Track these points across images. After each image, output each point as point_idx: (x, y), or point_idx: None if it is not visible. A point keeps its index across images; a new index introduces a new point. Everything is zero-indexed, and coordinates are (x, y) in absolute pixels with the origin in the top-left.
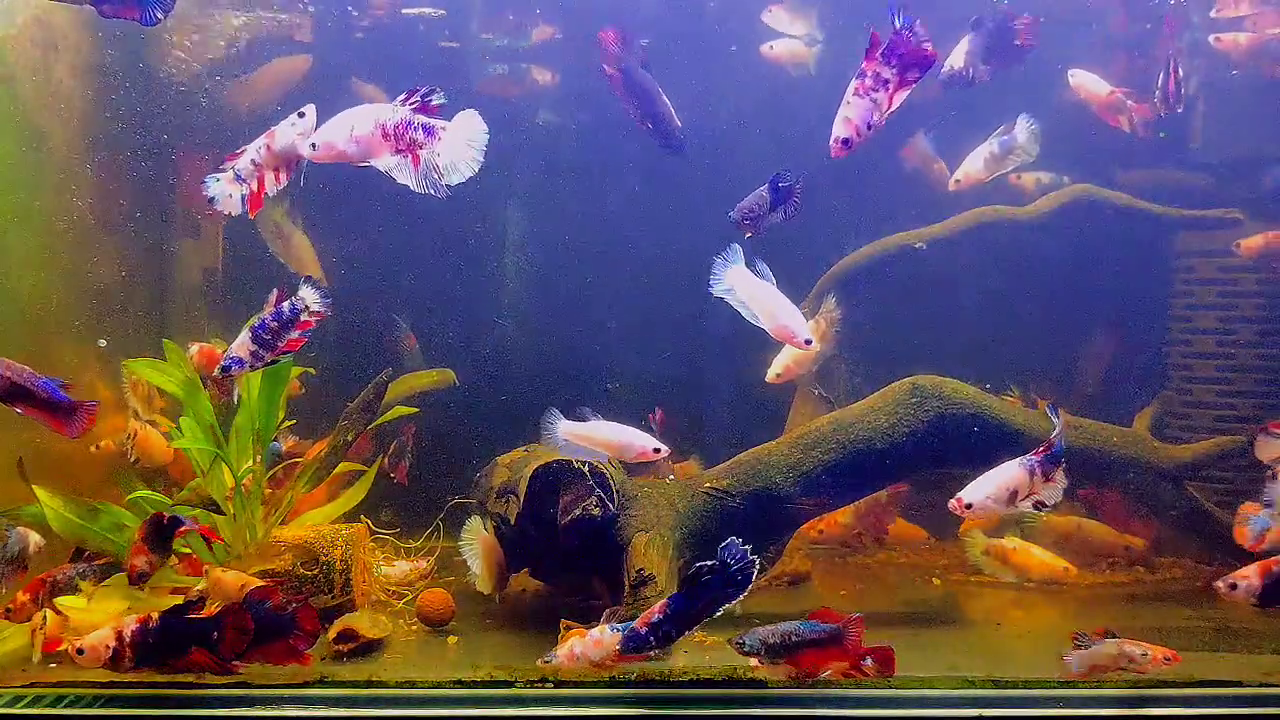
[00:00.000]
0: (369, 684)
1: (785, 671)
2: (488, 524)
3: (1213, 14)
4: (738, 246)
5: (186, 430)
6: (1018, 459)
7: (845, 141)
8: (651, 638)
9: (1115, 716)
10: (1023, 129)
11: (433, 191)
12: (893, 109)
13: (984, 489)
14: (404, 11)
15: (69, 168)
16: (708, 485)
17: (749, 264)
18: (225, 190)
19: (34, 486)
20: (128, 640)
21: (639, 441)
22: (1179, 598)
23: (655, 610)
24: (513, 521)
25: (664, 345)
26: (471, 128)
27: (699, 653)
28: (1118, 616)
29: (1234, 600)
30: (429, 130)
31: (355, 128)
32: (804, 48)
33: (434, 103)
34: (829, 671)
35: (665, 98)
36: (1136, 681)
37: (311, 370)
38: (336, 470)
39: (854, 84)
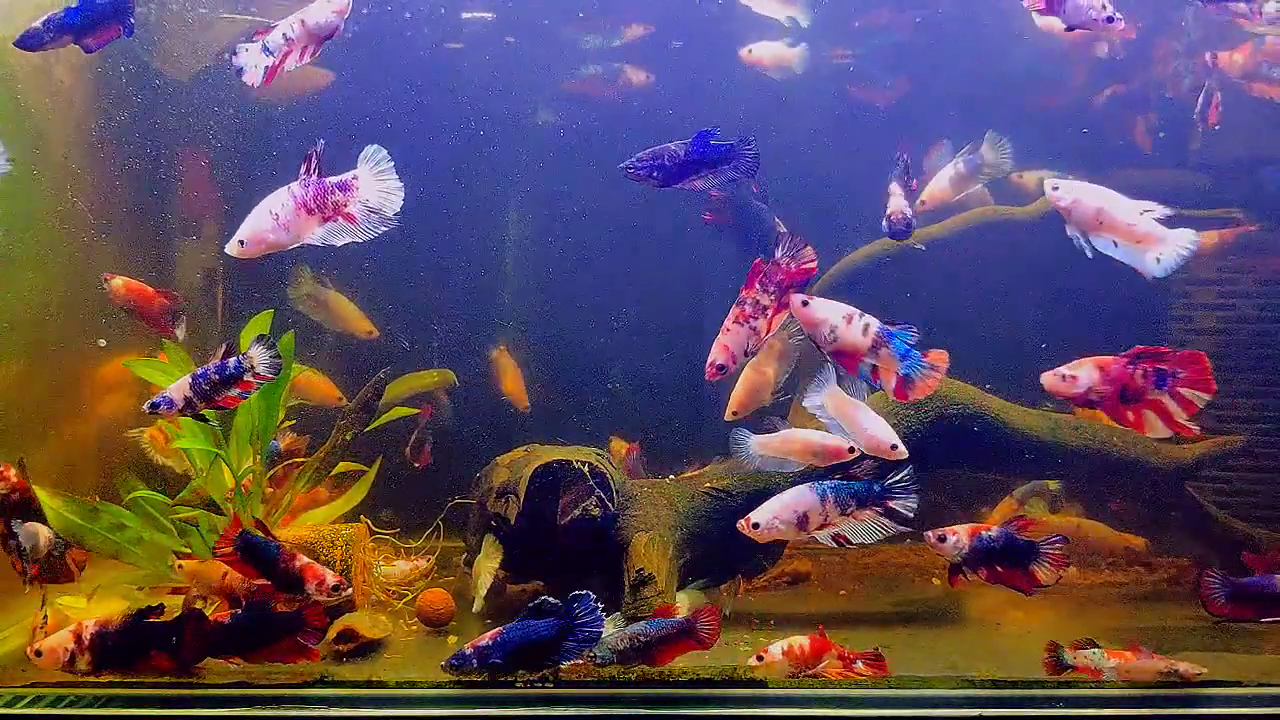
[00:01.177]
0: (369, 684)
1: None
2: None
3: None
4: (830, 366)
5: (186, 430)
6: (810, 483)
7: (720, 367)
8: (474, 660)
9: (1115, 716)
10: (989, 146)
11: (382, 229)
12: (773, 332)
13: (772, 509)
14: (464, 15)
15: (69, 167)
16: (708, 485)
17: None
18: (253, 61)
19: (34, 487)
20: (87, 643)
21: (833, 443)
22: (1179, 598)
23: (487, 636)
24: (512, 521)
25: (664, 346)
26: (375, 160)
27: (698, 653)
28: (1118, 616)
29: (942, 553)
30: (344, 186)
31: (278, 214)
32: (787, 49)
33: (316, 161)
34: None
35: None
36: (1137, 682)
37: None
38: (335, 470)
39: (734, 311)
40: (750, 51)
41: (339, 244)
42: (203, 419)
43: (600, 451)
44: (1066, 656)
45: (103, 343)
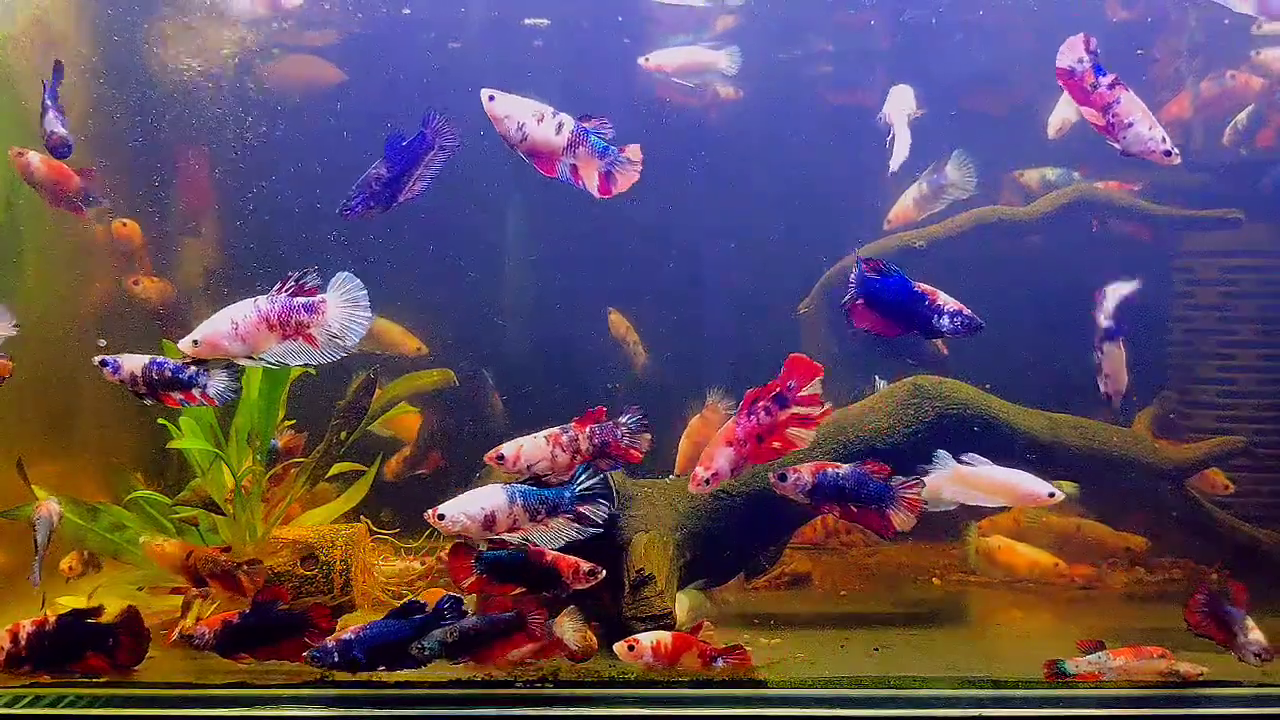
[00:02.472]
0: (369, 684)
1: (474, 668)
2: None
3: (1255, 30)
4: (942, 452)
5: (186, 430)
6: (503, 484)
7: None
8: (335, 654)
9: (1115, 716)
10: (954, 166)
11: (339, 356)
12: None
13: (461, 503)
14: (525, 22)
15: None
16: None
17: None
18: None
19: (34, 487)
20: (23, 642)
21: (1031, 486)
22: (1179, 598)
23: (349, 630)
24: None
25: (664, 346)
26: (348, 289)
27: None
28: (1118, 617)
29: (783, 491)
30: (310, 308)
31: (238, 324)
32: (707, 53)
33: (309, 284)
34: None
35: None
36: (1136, 682)
37: (312, 370)
38: (334, 470)
39: (554, 431)
40: (648, 60)
41: (294, 363)
42: (138, 397)
43: None
44: (1068, 667)
45: (102, 342)
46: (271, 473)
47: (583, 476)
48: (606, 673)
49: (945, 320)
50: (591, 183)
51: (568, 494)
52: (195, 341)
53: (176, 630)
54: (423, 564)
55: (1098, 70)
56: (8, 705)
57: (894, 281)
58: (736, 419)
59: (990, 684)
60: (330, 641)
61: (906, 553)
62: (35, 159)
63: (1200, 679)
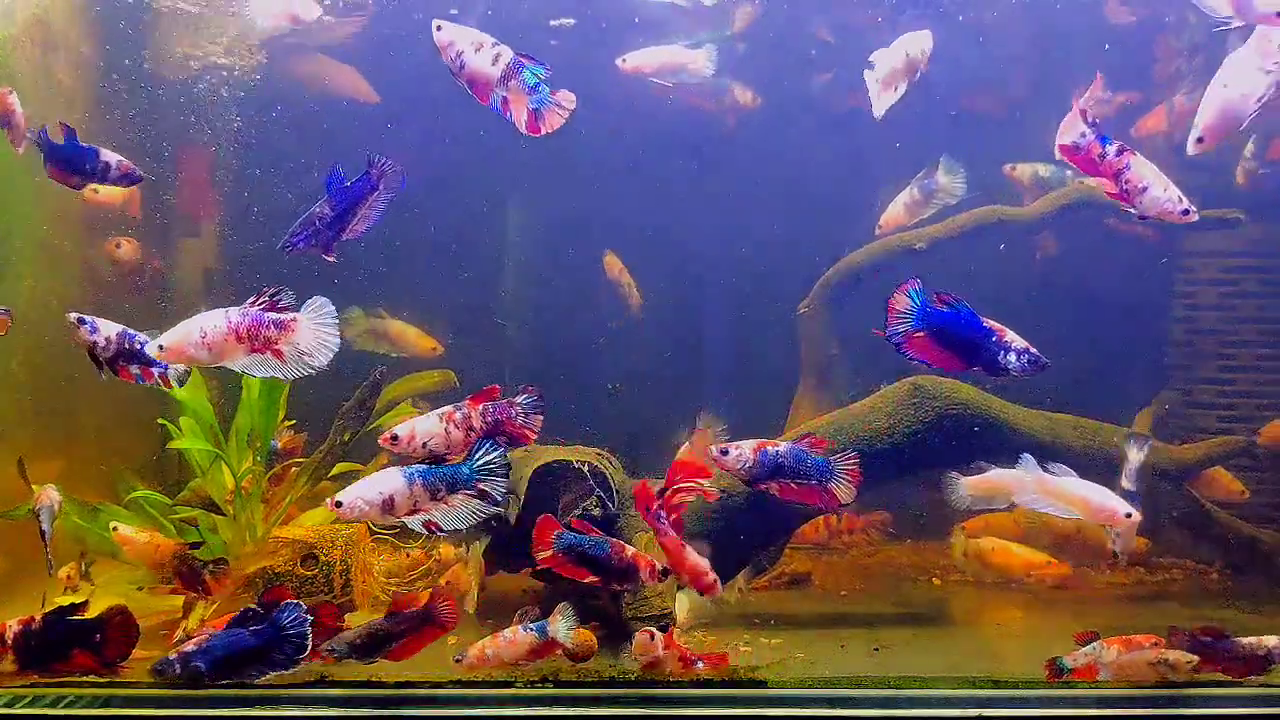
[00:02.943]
0: (369, 684)
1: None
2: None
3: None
4: (1027, 456)
5: (186, 430)
6: (400, 467)
7: (394, 438)
8: (178, 665)
9: (1115, 716)
10: (944, 172)
11: (306, 372)
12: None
13: (358, 489)
14: (552, 23)
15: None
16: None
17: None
18: None
19: (34, 487)
20: (9, 641)
21: (1109, 502)
22: (1179, 598)
23: (192, 640)
24: (513, 522)
25: (664, 345)
26: (321, 313)
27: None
28: (1118, 616)
29: (724, 467)
30: (280, 325)
31: (206, 333)
32: (685, 52)
33: (281, 302)
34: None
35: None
36: (1136, 681)
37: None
38: (334, 470)
39: (448, 410)
40: (625, 61)
41: (259, 375)
42: (96, 362)
43: (600, 451)
44: (1066, 662)
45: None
46: (271, 473)
47: (480, 452)
48: (606, 673)
49: (1013, 358)
50: (520, 118)
51: (466, 469)
52: (161, 347)
53: (180, 630)
54: (418, 554)
55: (1103, 140)
56: (8, 705)
57: (963, 315)
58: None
59: (990, 684)
60: (173, 654)
61: (906, 553)
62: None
63: (1190, 665)
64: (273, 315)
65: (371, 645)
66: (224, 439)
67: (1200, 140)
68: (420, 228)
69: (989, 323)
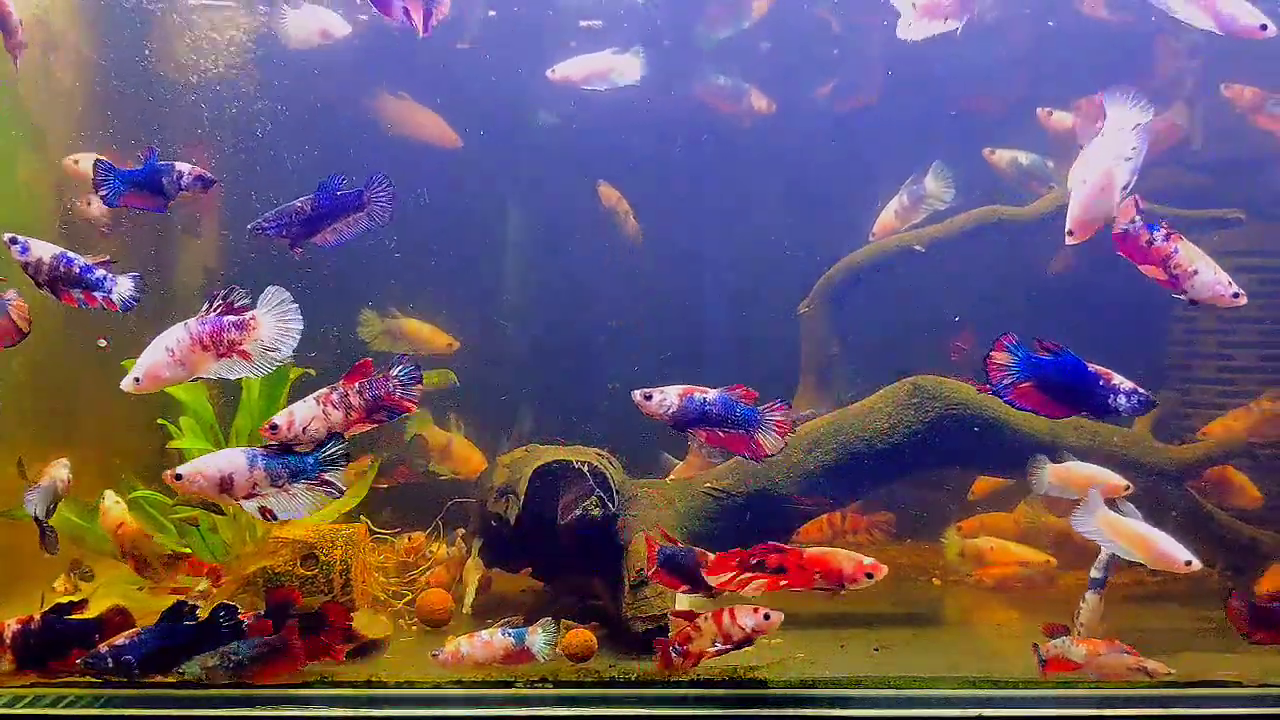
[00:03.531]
0: (369, 684)
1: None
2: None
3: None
4: (1095, 492)
5: (187, 430)
6: (244, 449)
7: (274, 428)
8: (109, 659)
9: (1115, 716)
10: (933, 177)
11: (274, 367)
12: (350, 429)
13: (198, 464)
14: (582, 24)
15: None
16: (708, 485)
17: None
18: None
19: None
20: (8, 641)
21: (1169, 549)
22: (1179, 598)
23: (123, 635)
24: (513, 522)
25: (664, 345)
26: (276, 302)
27: None
28: (1119, 617)
29: (648, 412)
30: (240, 325)
31: (174, 350)
32: (614, 58)
33: (237, 303)
34: None
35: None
36: (1137, 682)
37: (312, 371)
38: None
39: (325, 391)
40: (554, 71)
41: (231, 377)
42: (38, 286)
43: (601, 451)
44: (1041, 653)
45: (102, 342)
46: None
47: (329, 444)
48: (606, 673)
49: (1123, 399)
50: (417, 19)
51: (311, 460)
52: (137, 379)
53: None
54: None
55: (1150, 227)
56: (8, 705)
57: (1068, 362)
58: None
59: (990, 684)
60: (103, 647)
61: (906, 553)
62: None
63: (1168, 679)
64: (231, 317)
65: (226, 669)
66: (224, 439)
67: (1072, 233)
68: (421, 228)
69: (1095, 367)
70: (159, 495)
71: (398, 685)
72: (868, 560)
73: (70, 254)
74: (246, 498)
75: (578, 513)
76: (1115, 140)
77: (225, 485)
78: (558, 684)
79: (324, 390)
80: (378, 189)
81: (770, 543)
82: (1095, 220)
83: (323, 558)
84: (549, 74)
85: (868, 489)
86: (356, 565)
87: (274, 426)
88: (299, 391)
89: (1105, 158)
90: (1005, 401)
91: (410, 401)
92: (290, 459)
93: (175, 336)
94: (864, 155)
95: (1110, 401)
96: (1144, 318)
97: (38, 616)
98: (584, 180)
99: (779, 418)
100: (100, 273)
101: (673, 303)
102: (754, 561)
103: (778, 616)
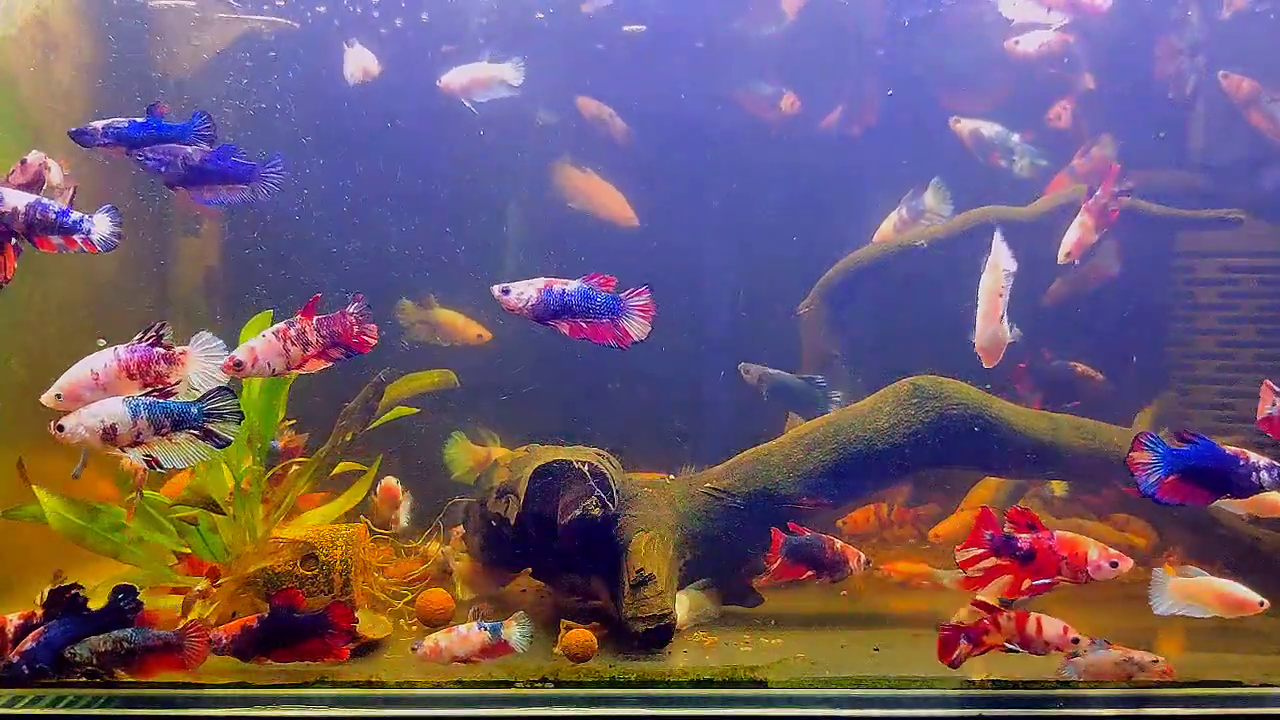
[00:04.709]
0: (369, 684)
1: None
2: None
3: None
4: (1159, 572)
5: None
6: (125, 397)
7: (239, 364)
8: (24, 667)
9: (1115, 716)
10: (932, 192)
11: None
12: (304, 369)
13: (81, 415)
14: (625, 29)
15: (68, 167)
16: (708, 485)
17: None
18: None
19: (34, 487)
20: (10, 636)
21: (1243, 595)
22: None
23: (30, 637)
24: (513, 522)
25: (664, 344)
26: (206, 344)
27: (699, 653)
28: (1119, 616)
29: (509, 308)
30: (169, 359)
31: (98, 374)
32: (491, 68)
33: (166, 339)
34: None
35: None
36: (1137, 681)
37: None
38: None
39: (282, 326)
40: (442, 81)
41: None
42: (13, 235)
43: (601, 451)
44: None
45: (101, 342)
46: (271, 473)
47: (212, 395)
48: (606, 673)
49: (1264, 475)
50: None
51: (195, 409)
52: (58, 395)
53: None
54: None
55: None
56: (8, 705)
57: (1205, 448)
58: None
59: (990, 684)
60: (14, 656)
61: (907, 552)
62: None
63: (1159, 668)
64: (161, 350)
65: (117, 656)
66: None
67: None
68: (421, 228)
69: (1229, 449)
70: (159, 495)
71: (398, 685)
72: (1112, 550)
73: (44, 200)
74: (131, 446)
75: (578, 513)
76: (994, 277)
77: (109, 435)
78: (558, 684)
79: (282, 325)
80: (271, 169)
81: (1024, 510)
82: (997, 345)
83: (323, 558)
84: (439, 84)
85: (868, 489)
86: (356, 565)
87: (238, 364)
88: (299, 391)
89: (992, 288)
90: (1154, 500)
91: (368, 339)
92: (173, 407)
93: (103, 360)
94: (864, 157)
95: (1254, 479)
96: (1144, 318)
97: (42, 613)
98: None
99: (641, 302)
100: (76, 215)
101: (672, 300)
102: (1005, 541)
103: (1085, 641)
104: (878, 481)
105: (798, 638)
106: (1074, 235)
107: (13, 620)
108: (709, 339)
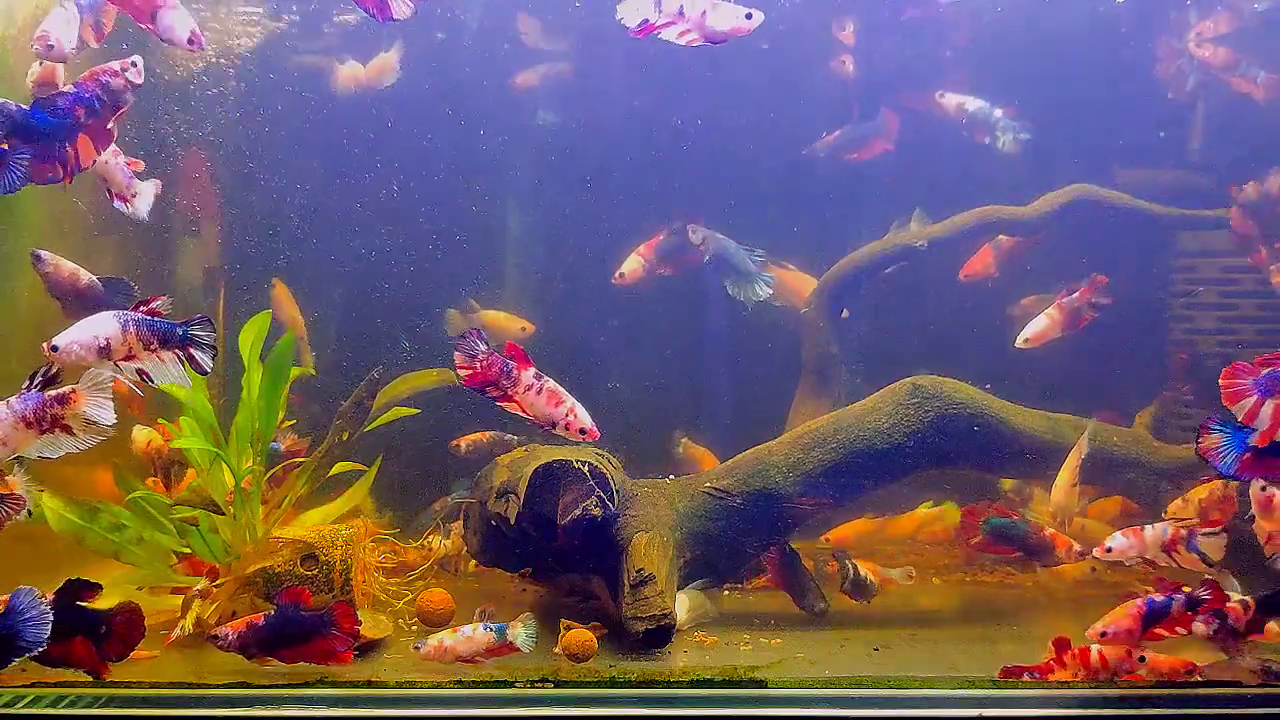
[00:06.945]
0: (369, 684)
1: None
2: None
3: (1193, 37)
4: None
5: (186, 430)
6: (115, 312)
7: (54, 348)
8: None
9: (1115, 716)
10: (916, 222)
11: (99, 438)
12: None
13: (72, 334)
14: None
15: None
16: (708, 485)
17: None
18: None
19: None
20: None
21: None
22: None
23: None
24: (513, 521)
25: (665, 344)
26: (95, 379)
27: (699, 653)
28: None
29: None
30: (62, 400)
31: None
32: (384, 58)
33: (53, 373)
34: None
35: None
36: (1137, 681)
37: (312, 370)
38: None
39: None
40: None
41: (54, 455)
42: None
43: (600, 451)
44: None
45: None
46: (271, 473)
47: (194, 321)
48: (606, 673)
49: None
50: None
51: (179, 328)
52: None
53: (176, 629)
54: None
55: None
56: (8, 705)
57: None
58: None
59: (990, 684)
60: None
61: (907, 553)
62: None
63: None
64: (52, 392)
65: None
66: (224, 439)
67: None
68: (422, 227)
69: None
70: (159, 495)
71: (398, 685)
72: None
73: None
74: (125, 360)
75: (578, 513)
76: (1076, 454)
77: (104, 350)
78: (558, 684)
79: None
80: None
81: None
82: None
83: (323, 558)
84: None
85: (868, 489)
86: (356, 565)
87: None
88: (299, 392)
89: (1073, 464)
90: (1234, 478)
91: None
92: (158, 323)
93: None
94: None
95: None
96: (1145, 317)
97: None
98: (581, 179)
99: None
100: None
101: (672, 299)
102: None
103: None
104: (878, 481)
105: (798, 638)
106: (1039, 326)
107: None
108: (709, 339)
